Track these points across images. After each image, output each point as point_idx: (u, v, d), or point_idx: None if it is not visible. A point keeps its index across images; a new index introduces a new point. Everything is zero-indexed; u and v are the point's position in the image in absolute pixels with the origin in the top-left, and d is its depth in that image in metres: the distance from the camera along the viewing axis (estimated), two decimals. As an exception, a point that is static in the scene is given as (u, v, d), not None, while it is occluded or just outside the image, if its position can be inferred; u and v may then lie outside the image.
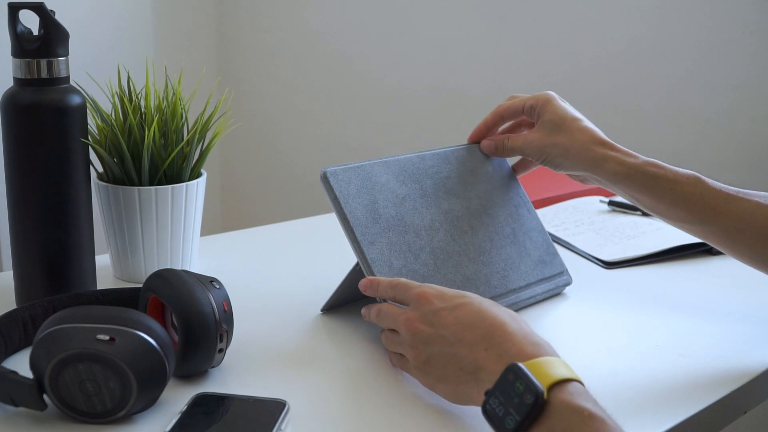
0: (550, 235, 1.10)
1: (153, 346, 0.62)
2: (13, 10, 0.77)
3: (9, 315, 0.73)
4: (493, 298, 0.84)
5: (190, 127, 0.92)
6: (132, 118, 0.88)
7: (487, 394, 0.59)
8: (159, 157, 0.89)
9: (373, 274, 0.77)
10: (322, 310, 0.87)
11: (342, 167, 0.80)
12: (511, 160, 0.96)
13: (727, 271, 1.01)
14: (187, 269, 0.89)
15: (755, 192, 0.81)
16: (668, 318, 0.88)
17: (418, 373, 0.69)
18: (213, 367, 0.71)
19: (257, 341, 0.78)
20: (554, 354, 0.62)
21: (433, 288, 0.71)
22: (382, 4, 2.10)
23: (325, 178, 0.79)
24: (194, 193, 0.92)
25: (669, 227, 1.08)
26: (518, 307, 0.87)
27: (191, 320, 0.68)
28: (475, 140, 0.94)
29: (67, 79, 0.80)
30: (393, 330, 0.72)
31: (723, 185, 0.82)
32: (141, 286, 0.74)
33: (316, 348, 0.79)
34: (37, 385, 0.62)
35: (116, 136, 0.88)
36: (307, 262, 1.03)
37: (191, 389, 0.69)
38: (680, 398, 0.71)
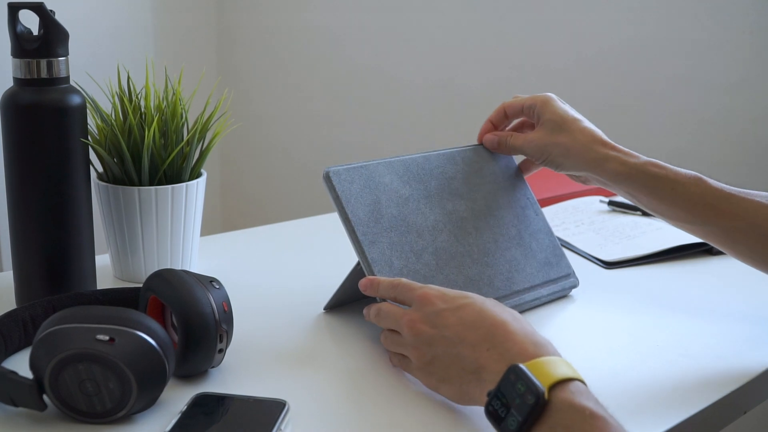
0: (551, 235, 1.10)
1: (153, 346, 0.62)
2: (13, 10, 0.77)
3: (9, 315, 0.73)
4: (496, 299, 0.83)
5: (190, 127, 0.92)
6: (132, 118, 0.88)
7: (489, 395, 0.59)
8: (159, 157, 0.89)
9: (373, 274, 0.77)
10: (325, 309, 0.86)
11: (345, 167, 0.80)
12: (518, 160, 0.96)
13: (727, 271, 1.01)
14: (187, 269, 0.89)
15: (756, 192, 0.81)
16: (668, 318, 0.88)
17: (421, 374, 0.69)
18: (213, 367, 0.71)
19: (257, 341, 0.78)
20: (556, 353, 0.62)
21: (435, 289, 0.71)
22: (383, 4, 2.10)
23: (327, 178, 0.79)
24: (194, 193, 0.92)
25: (669, 227, 1.08)
26: (522, 309, 0.86)
27: (191, 320, 0.68)
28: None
29: (67, 79, 0.80)
30: (393, 330, 0.72)
31: (724, 185, 0.82)
32: (141, 286, 0.74)
33: (315, 348, 0.79)
34: (37, 385, 0.62)
35: (116, 136, 0.88)
36: (308, 261, 1.03)
37: (191, 389, 0.69)
38: (680, 398, 0.71)
